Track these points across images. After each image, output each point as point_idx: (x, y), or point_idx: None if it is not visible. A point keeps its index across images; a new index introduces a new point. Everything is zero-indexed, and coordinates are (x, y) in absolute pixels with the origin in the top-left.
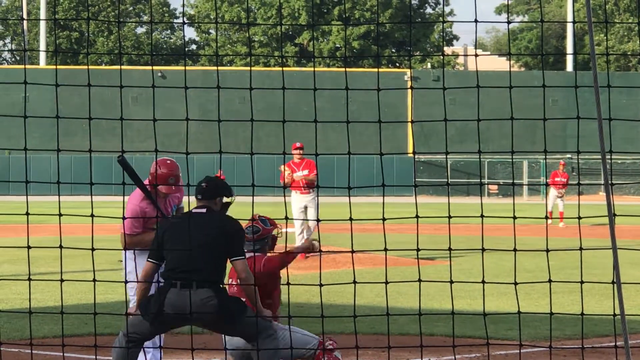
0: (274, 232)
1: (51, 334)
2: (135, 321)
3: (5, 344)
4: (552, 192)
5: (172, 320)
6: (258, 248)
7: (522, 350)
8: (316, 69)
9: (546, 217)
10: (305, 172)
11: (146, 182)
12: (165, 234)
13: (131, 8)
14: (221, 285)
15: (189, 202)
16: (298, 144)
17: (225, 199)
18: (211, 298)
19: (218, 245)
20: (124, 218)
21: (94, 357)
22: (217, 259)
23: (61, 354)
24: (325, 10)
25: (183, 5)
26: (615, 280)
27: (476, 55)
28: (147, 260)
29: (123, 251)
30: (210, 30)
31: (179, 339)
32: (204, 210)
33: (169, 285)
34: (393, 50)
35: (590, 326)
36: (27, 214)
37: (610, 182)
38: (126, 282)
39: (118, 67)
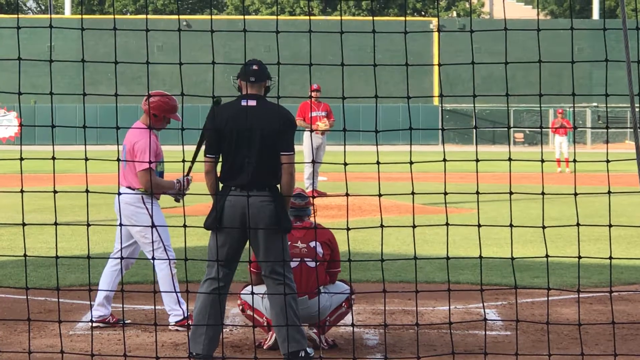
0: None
1: (77, 283)
2: (211, 247)
3: (32, 292)
4: (557, 139)
5: (233, 230)
6: (302, 216)
7: (549, 298)
8: (342, 17)
9: (575, 161)
10: (323, 113)
11: (142, 120)
12: (225, 128)
13: None
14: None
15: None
16: (315, 86)
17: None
18: (269, 202)
19: (277, 138)
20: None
21: (121, 305)
22: (277, 154)
23: (88, 302)
24: None
25: None
26: None
27: None
28: (207, 156)
29: (133, 197)
30: None
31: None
32: (254, 102)
33: (228, 189)
34: None
35: (616, 274)
36: (54, 158)
37: (638, 125)
38: (153, 225)
39: (143, 16)
